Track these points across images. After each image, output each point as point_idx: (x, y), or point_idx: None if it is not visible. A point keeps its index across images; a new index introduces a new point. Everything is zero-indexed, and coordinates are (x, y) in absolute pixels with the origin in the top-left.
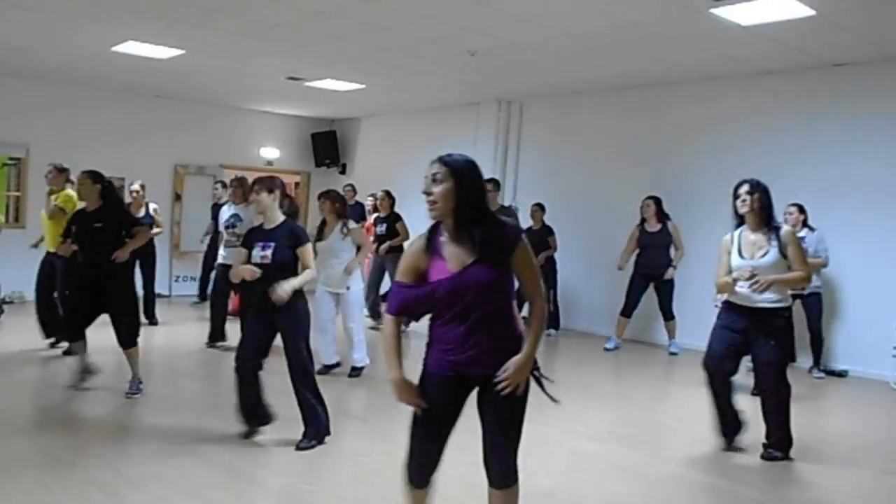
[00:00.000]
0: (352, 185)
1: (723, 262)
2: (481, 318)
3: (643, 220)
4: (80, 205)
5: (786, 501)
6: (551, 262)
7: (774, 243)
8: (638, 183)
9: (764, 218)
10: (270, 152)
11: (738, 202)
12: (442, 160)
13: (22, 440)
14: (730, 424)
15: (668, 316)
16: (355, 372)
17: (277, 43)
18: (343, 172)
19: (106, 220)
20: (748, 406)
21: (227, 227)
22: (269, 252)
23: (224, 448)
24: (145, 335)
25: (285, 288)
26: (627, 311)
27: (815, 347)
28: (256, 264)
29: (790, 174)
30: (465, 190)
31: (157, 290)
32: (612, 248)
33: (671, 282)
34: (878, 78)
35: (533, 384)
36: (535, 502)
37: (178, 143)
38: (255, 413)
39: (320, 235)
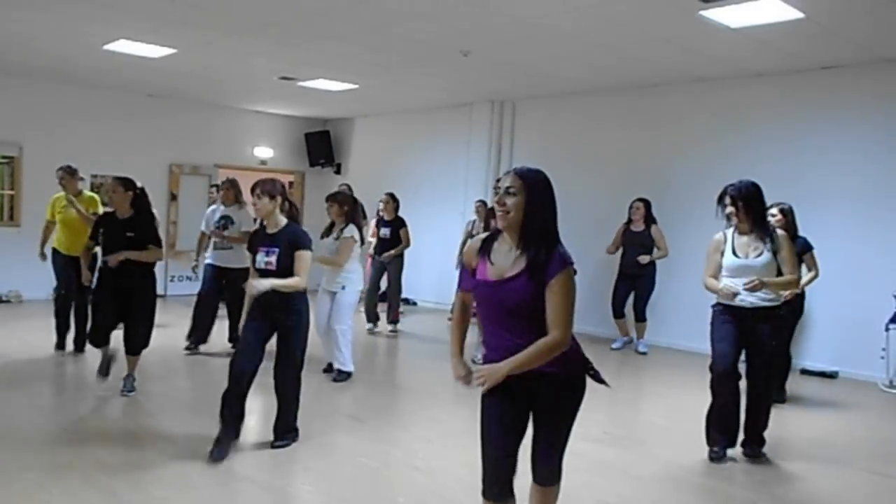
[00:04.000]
0: (347, 185)
1: (712, 261)
2: (525, 330)
3: (630, 220)
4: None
5: (777, 500)
6: None
7: (769, 245)
8: (629, 183)
9: (753, 221)
10: (264, 152)
11: (726, 213)
12: (517, 172)
13: (19, 443)
14: (730, 432)
15: (640, 317)
16: (341, 376)
17: (270, 42)
18: (338, 172)
19: (138, 232)
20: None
21: (216, 229)
22: (273, 259)
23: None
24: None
25: (263, 284)
26: (616, 312)
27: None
28: (261, 270)
29: (779, 176)
30: (536, 205)
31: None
32: (602, 248)
33: (650, 284)
34: (865, 81)
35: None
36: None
37: (172, 142)
38: (231, 422)
39: (325, 236)
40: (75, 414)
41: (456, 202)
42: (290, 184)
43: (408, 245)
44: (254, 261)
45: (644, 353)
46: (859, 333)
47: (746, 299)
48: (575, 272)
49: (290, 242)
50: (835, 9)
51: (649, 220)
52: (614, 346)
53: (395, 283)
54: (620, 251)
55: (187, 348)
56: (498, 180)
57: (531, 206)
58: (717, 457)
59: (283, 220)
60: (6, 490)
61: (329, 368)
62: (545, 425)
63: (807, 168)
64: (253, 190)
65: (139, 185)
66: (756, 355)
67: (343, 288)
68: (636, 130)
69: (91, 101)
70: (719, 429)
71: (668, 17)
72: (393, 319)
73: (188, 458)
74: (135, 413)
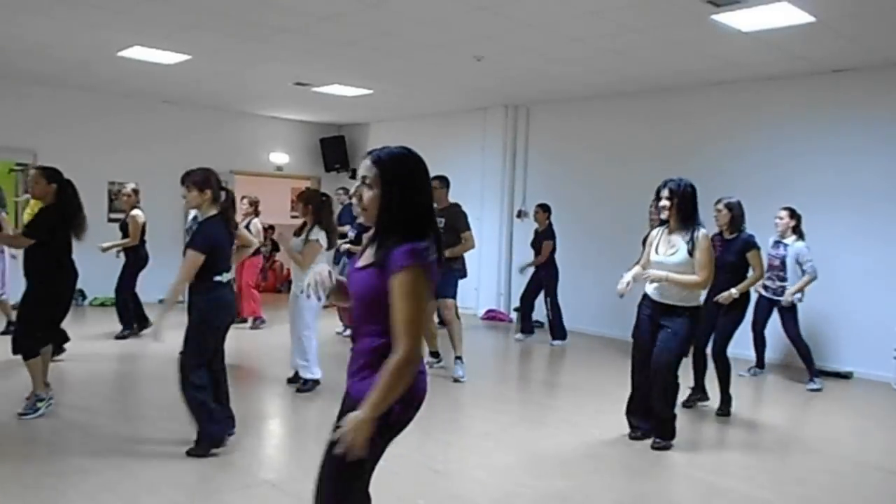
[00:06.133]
0: (344, 188)
1: (644, 253)
2: (358, 332)
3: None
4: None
5: (794, 499)
6: (549, 268)
7: (687, 244)
8: (642, 186)
9: (681, 220)
10: (280, 157)
11: (659, 205)
12: (372, 158)
13: (37, 447)
14: (637, 411)
15: None
16: (307, 385)
17: (284, 48)
18: (353, 177)
19: (36, 218)
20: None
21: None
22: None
23: (242, 452)
24: (146, 339)
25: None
26: None
27: (801, 355)
28: None
29: (791, 179)
30: (392, 195)
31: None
32: (619, 251)
33: None
34: (876, 84)
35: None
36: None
37: (187, 148)
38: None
39: (297, 234)
40: (94, 418)
41: (472, 207)
42: (307, 189)
43: None
44: None
45: None
46: (873, 334)
47: (652, 292)
48: (432, 273)
49: (191, 235)
50: (845, 12)
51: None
52: None
53: None
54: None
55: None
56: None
57: (386, 197)
58: (634, 437)
59: (210, 213)
60: (26, 495)
61: (294, 378)
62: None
63: (819, 169)
64: (182, 181)
65: (130, 185)
66: (656, 345)
67: (302, 291)
68: (649, 134)
69: (106, 108)
70: (636, 414)
71: (681, 22)
72: None
73: (209, 461)
74: (153, 417)
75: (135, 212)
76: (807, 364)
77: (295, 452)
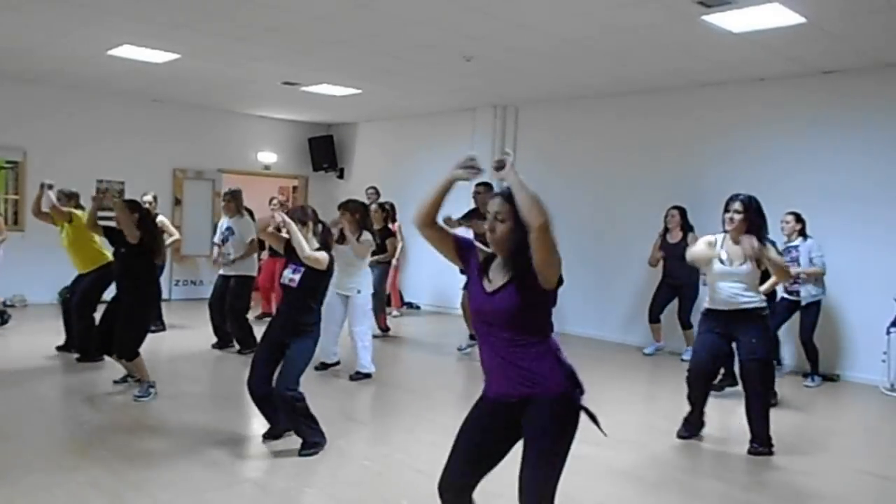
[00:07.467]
0: (375, 189)
1: (699, 248)
2: (507, 342)
3: (666, 230)
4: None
5: (778, 502)
6: None
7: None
8: (632, 188)
9: (748, 232)
10: (268, 157)
11: (727, 217)
12: (504, 197)
13: (24, 444)
14: (694, 423)
15: (686, 325)
16: (359, 376)
17: (273, 48)
18: (341, 177)
19: (137, 248)
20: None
21: (223, 241)
22: (297, 277)
23: (226, 451)
24: (151, 339)
25: (284, 216)
26: (652, 317)
27: (809, 356)
28: (283, 285)
29: (780, 181)
30: (523, 231)
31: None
32: (607, 252)
33: (694, 291)
34: (866, 85)
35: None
36: None
37: (176, 147)
38: (277, 420)
39: (339, 242)
40: (81, 416)
41: (459, 207)
42: (294, 188)
43: (393, 255)
44: (286, 265)
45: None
46: (861, 337)
47: (722, 304)
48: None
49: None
50: (836, 14)
51: (686, 227)
52: (646, 351)
53: (376, 290)
54: (663, 260)
55: (213, 346)
56: (478, 191)
57: (519, 230)
58: (680, 436)
59: (315, 245)
60: (10, 491)
61: (321, 367)
62: (526, 458)
63: (808, 171)
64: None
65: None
66: (744, 354)
67: (358, 292)
68: (638, 134)
69: (95, 106)
70: (688, 416)
71: (671, 23)
72: (381, 327)
73: (193, 460)
74: (140, 415)
75: (161, 217)
76: (812, 365)
77: (278, 451)
